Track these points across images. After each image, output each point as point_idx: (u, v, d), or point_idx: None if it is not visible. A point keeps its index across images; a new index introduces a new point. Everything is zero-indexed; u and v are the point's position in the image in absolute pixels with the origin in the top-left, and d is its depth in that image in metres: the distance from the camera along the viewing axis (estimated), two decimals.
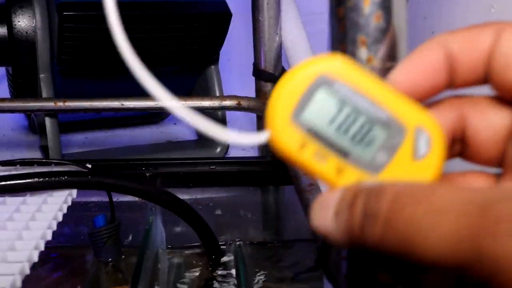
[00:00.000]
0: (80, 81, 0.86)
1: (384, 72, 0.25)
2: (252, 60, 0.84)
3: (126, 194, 0.63)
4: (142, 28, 0.77)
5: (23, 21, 0.79)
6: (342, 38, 0.25)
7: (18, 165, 0.67)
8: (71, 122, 1.04)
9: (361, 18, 0.25)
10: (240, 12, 0.85)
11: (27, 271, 0.44)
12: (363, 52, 0.25)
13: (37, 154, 0.95)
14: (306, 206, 0.45)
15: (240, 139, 0.24)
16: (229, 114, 0.94)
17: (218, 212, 0.77)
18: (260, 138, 0.24)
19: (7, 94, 0.93)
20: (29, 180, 0.58)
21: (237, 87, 0.94)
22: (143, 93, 0.83)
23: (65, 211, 0.56)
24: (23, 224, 0.52)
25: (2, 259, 0.45)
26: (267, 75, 0.77)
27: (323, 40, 0.93)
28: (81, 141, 1.06)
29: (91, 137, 1.08)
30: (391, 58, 0.25)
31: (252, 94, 0.82)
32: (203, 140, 0.97)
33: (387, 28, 0.25)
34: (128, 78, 0.90)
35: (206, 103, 0.77)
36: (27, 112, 0.85)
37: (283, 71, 0.79)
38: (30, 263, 0.45)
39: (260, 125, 0.83)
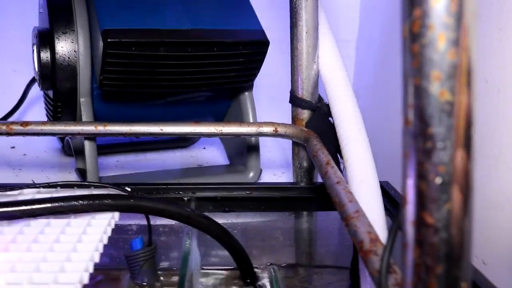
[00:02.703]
0: (117, 105, 0.88)
1: (454, 105, 0.26)
2: (282, 87, 0.85)
3: (166, 218, 0.64)
4: (180, 55, 0.79)
5: (66, 47, 0.81)
6: (415, 73, 0.26)
7: (58, 188, 0.69)
8: (103, 146, 1.06)
9: (435, 54, 0.26)
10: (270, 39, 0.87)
11: None
12: (436, 87, 0.26)
13: (71, 176, 0.97)
14: (354, 232, 0.45)
15: None
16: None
17: (253, 236, 0.77)
18: None
19: (39, 118, 0.95)
20: (75, 203, 0.59)
21: (264, 114, 0.95)
22: (177, 119, 0.85)
23: (109, 233, 0.57)
24: (71, 246, 0.53)
25: (53, 281, 0.46)
26: (305, 102, 0.78)
27: (350, 65, 0.95)
28: (113, 164, 1.07)
29: (122, 161, 1.09)
30: (462, 93, 0.26)
31: (281, 120, 0.83)
32: (235, 165, 0.98)
33: (460, 64, 0.26)
34: (165, 103, 0.93)
35: (244, 129, 0.78)
36: (68, 135, 0.87)
37: (319, 99, 0.81)
38: (81, 285, 0.46)
39: (296, 151, 0.83)
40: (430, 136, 0.26)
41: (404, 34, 0.26)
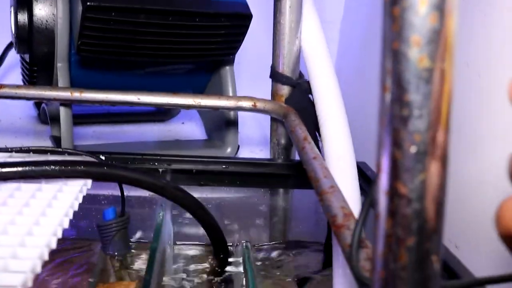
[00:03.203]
0: (95, 73, 0.86)
1: (433, 72, 0.25)
2: (262, 62, 0.85)
3: (140, 188, 0.63)
4: (160, 23, 0.77)
5: (44, 9, 0.79)
6: (394, 37, 0.26)
7: (31, 153, 0.67)
8: (79, 115, 1.04)
9: (416, 18, 0.25)
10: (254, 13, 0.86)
11: (46, 257, 0.44)
12: (415, 52, 0.25)
13: (46, 144, 0.95)
14: (328, 207, 0.45)
15: None
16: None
17: (228, 212, 0.77)
18: None
19: (15, 82, 0.93)
20: (46, 168, 0.57)
21: (247, 89, 0.94)
22: (156, 90, 0.84)
23: (80, 200, 0.56)
24: (40, 210, 0.52)
25: (20, 244, 0.45)
26: (285, 78, 0.77)
27: (334, 48, 0.94)
28: (89, 134, 1.06)
29: (98, 131, 1.08)
30: (442, 59, 0.26)
31: (262, 96, 0.82)
32: (213, 140, 0.97)
33: (441, 30, 0.25)
34: (144, 73, 0.91)
35: (223, 102, 0.77)
36: (43, 101, 0.85)
37: (300, 75, 0.80)
38: (49, 249, 0.45)
39: (274, 127, 0.83)
40: (407, 103, 0.26)
41: None
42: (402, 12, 0.25)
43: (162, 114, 1.12)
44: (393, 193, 0.27)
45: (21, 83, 0.94)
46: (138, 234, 0.72)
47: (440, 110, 0.26)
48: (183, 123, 1.14)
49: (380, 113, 0.27)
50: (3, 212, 0.51)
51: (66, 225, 0.51)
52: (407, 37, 0.25)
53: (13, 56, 1.07)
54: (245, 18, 0.81)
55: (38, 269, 0.43)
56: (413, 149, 0.26)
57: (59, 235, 0.49)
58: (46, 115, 0.96)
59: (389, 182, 0.27)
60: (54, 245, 0.47)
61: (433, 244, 0.28)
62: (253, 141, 1.05)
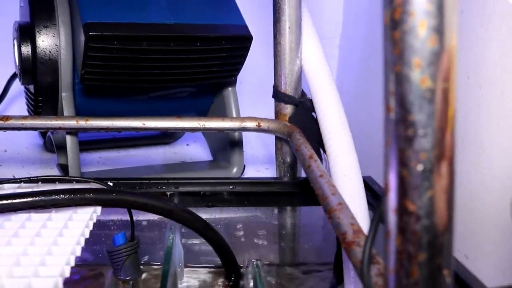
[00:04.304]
0: (99, 100, 0.87)
1: (436, 92, 0.26)
2: (265, 82, 0.85)
3: (149, 212, 0.63)
4: (163, 49, 0.78)
5: (47, 41, 0.80)
6: (396, 60, 0.26)
7: (40, 182, 0.68)
8: (85, 142, 1.05)
9: (416, 41, 0.26)
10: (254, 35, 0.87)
11: (61, 286, 0.45)
12: (417, 74, 0.26)
13: (53, 172, 0.96)
14: (337, 224, 0.45)
15: None
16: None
17: (237, 231, 0.77)
18: None
19: (20, 113, 0.94)
20: (56, 197, 0.58)
21: (249, 109, 0.95)
22: (160, 114, 0.84)
23: (91, 227, 0.57)
24: (52, 240, 0.52)
25: (34, 274, 0.46)
26: (288, 97, 0.78)
27: (334, 63, 0.95)
28: (95, 160, 1.07)
29: (104, 157, 1.09)
30: (444, 79, 0.26)
31: (265, 115, 0.83)
32: (218, 161, 0.97)
33: (441, 51, 0.26)
34: (147, 98, 0.92)
35: (227, 124, 0.78)
36: (50, 130, 0.86)
37: (302, 94, 0.81)
38: (63, 278, 0.46)
39: (279, 146, 0.83)
40: (411, 123, 0.26)
41: (386, 21, 0.26)
42: (403, 35, 0.26)
43: (167, 137, 1.13)
44: (402, 211, 0.28)
45: (25, 113, 0.95)
46: (148, 258, 0.72)
47: (444, 128, 0.27)
48: (187, 144, 1.15)
49: (385, 133, 0.28)
50: (15, 243, 0.51)
51: (78, 253, 0.51)
52: (408, 60, 0.26)
53: (17, 86, 1.08)
54: (246, 40, 0.82)
55: None
56: (419, 168, 0.27)
57: (72, 263, 0.49)
58: (52, 143, 0.97)
59: (397, 200, 0.28)
60: (67, 274, 0.47)
61: (444, 258, 0.28)
62: (258, 160, 1.06)
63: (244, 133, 0.93)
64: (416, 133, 0.26)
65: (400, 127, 0.27)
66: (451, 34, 0.26)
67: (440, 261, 0.28)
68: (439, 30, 0.26)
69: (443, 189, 0.27)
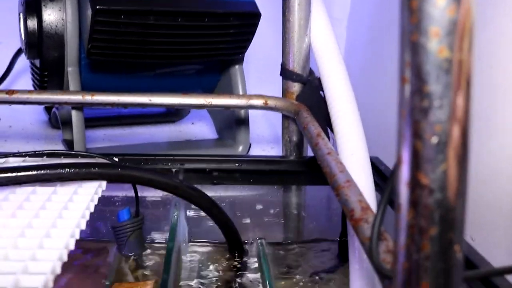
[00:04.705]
0: (105, 76, 0.87)
1: (453, 62, 0.26)
2: (272, 60, 0.85)
3: (154, 188, 0.63)
4: (170, 24, 0.78)
5: (53, 14, 0.80)
6: (413, 29, 0.26)
7: (45, 156, 0.68)
8: (90, 118, 1.05)
9: (435, 10, 0.25)
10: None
11: (66, 258, 0.45)
12: (434, 43, 0.25)
13: (58, 147, 0.95)
14: (345, 201, 0.45)
15: None
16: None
17: (242, 209, 0.77)
18: None
19: (24, 87, 0.94)
20: (61, 171, 0.58)
21: (257, 87, 0.94)
22: (166, 91, 0.84)
23: (96, 202, 0.56)
24: (57, 213, 0.52)
25: (39, 246, 0.46)
26: (296, 75, 0.77)
27: (341, 44, 0.94)
28: (100, 137, 1.06)
29: (109, 134, 1.09)
30: (461, 50, 0.26)
31: (272, 94, 0.83)
32: (224, 139, 0.97)
33: (459, 21, 0.25)
34: (154, 75, 0.92)
35: (234, 101, 0.77)
36: (55, 105, 0.86)
37: (310, 72, 0.80)
38: (68, 250, 0.46)
39: (286, 124, 0.83)
40: (427, 94, 0.26)
41: None
42: (421, 4, 0.25)
43: (172, 115, 1.12)
44: (415, 184, 0.27)
45: (31, 88, 0.95)
46: (153, 234, 0.72)
47: (460, 100, 0.26)
48: (193, 123, 1.14)
49: (399, 105, 0.27)
50: (20, 216, 0.51)
51: (83, 226, 0.51)
52: (426, 29, 0.25)
53: (22, 61, 1.08)
54: (254, 16, 0.82)
55: (58, 270, 0.43)
56: (434, 140, 0.26)
57: (77, 236, 0.49)
58: (57, 119, 0.96)
59: (410, 173, 0.27)
60: (72, 247, 0.47)
61: (456, 234, 0.28)
62: (264, 139, 1.05)
63: (251, 113, 0.92)
64: (431, 104, 0.26)
65: (415, 98, 0.26)
66: (471, 3, 0.25)
67: (452, 236, 0.28)
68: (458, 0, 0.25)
69: (457, 163, 0.27)
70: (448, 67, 0.25)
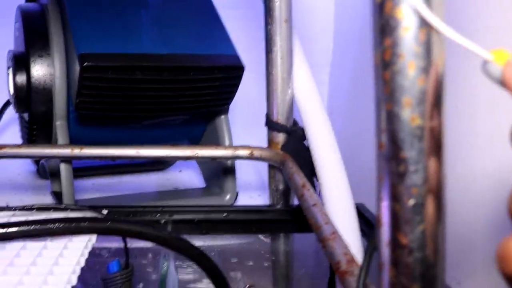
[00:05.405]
0: (93, 129, 0.88)
1: (425, 129, 0.27)
2: (257, 109, 0.87)
3: (144, 240, 0.64)
4: (156, 79, 0.79)
5: (41, 70, 0.81)
6: (387, 99, 0.28)
7: (34, 210, 0.68)
8: (79, 168, 1.05)
9: (406, 81, 0.27)
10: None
11: None
12: (407, 112, 0.27)
13: (46, 199, 0.96)
14: (331, 254, 0.46)
15: None
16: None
17: (230, 259, 0.78)
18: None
19: (14, 140, 0.95)
20: (51, 226, 0.58)
21: (241, 137, 0.96)
22: (153, 142, 0.85)
23: (86, 256, 0.57)
24: (47, 269, 0.52)
25: None
26: (280, 126, 0.79)
27: (324, 89, 0.96)
28: (89, 186, 1.07)
29: (98, 183, 1.09)
30: (432, 117, 0.27)
31: (257, 140, 0.84)
32: (211, 188, 0.98)
33: (429, 90, 0.27)
34: (141, 126, 0.93)
35: (220, 152, 0.79)
36: (44, 158, 0.86)
37: (294, 123, 0.82)
38: None
39: (272, 174, 0.84)
40: (403, 160, 0.27)
41: (376, 62, 0.28)
42: (393, 76, 0.27)
43: (160, 163, 1.13)
44: (395, 244, 0.29)
45: (18, 138, 0.96)
46: (143, 285, 0.72)
47: (433, 164, 0.28)
48: (180, 171, 1.15)
49: (377, 169, 0.29)
50: (10, 273, 0.51)
51: (74, 282, 0.51)
52: (398, 99, 0.27)
53: (10, 112, 1.08)
54: (238, 70, 0.84)
55: None
56: (411, 202, 0.28)
57: None
58: (45, 170, 0.97)
59: (390, 234, 0.29)
60: None
61: None
62: (251, 187, 1.06)
63: (237, 160, 0.94)
64: (407, 169, 0.27)
65: (392, 163, 0.28)
66: (440, 73, 0.27)
67: None
68: (428, 70, 0.27)
69: (434, 223, 0.28)
70: (421, 134, 0.27)
